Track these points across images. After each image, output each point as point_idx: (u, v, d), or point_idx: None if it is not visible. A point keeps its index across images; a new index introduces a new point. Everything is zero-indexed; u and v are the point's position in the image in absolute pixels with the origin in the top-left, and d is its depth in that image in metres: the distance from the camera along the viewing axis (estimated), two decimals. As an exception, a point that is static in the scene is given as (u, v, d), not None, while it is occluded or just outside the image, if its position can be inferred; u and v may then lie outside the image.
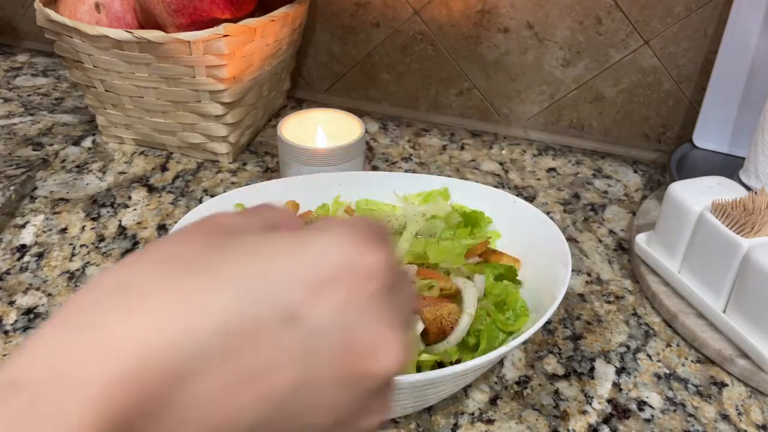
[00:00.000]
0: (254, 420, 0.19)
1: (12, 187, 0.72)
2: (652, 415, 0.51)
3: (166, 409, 0.18)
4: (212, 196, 0.74)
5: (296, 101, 0.96)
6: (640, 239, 0.64)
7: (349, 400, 0.21)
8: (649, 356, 0.57)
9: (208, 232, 0.22)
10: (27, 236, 0.68)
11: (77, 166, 0.79)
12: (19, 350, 0.18)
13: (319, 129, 0.73)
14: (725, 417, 0.51)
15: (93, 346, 0.17)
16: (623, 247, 0.70)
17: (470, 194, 0.62)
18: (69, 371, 0.17)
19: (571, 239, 0.70)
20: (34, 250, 0.66)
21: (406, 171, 0.81)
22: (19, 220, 0.70)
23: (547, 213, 0.72)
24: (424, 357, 0.48)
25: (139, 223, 0.70)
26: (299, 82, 0.97)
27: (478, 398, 0.52)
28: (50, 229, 0.69)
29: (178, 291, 0.18)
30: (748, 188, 0.64)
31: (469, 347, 0.49)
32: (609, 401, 0.52)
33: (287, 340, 0.20)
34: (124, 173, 0.79)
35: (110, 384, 0.17)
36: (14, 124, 0.88)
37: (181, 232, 0.21)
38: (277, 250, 0.21)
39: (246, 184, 0.74)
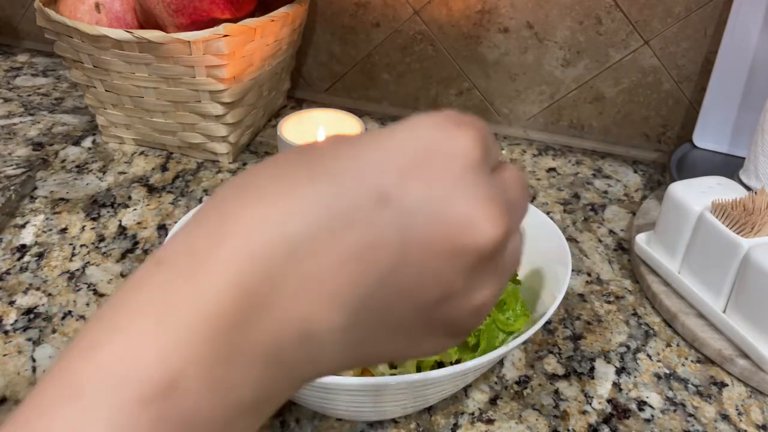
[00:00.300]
0: (364, 293, 0.21)
1: (12, 187, 0.72)
2: (652, 415, 0.51)
3: (284, 284, 0.20)
4: (212, 196, 0.74)
5: (296, 101, 0.96)
6: (640, 239, 0.64)
7: (451, 274, 0.22)
8: (649, 356, 0.57)
9: (301, 149, 0.24)
10: (27, 236, 0.68)
11: (77, 166, 0.79)
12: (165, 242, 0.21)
13: (319, 129, 0.73)
14: (725, 417, 0.51)
15: (223, 230, 0.20)
16: (623, 247, 0.70)
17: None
18: (203, 250, 0.20)
19: (571, 239, 0.70)
20: (34, 250, 0.66)
21: (406, 171, 0.81)
22: (19, 220, 0.70)
23: (547, 213, 0.72)
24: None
25: (139, 223, 0.70)
26: (299, 82, 0.97)
27: (478, 398, 0.52)
28: (50, 229, 0.69)
29: (285, 187, 0.21)
30: (748, 188, 0.64)
31: (469, 347, 0.49)
32: (609, 401, 0.52)
33: (383, 219, 0.21)
34: (124, 173, 0.79)
35: (239, 259, 0.20)
36: (14, 124, 0.88)
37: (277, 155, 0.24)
38: (367, 142, 0.23)
39: (246, 184, 0.74)
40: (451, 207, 0.22)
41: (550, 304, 0.48)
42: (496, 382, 0.54)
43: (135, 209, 0.72)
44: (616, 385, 0.54)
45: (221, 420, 0.20)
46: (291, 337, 0.21)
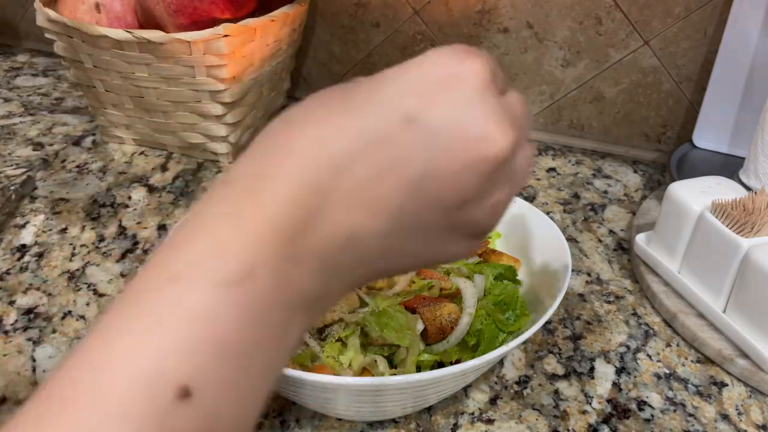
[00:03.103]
0: (399, 201, 0.25)
1: (12, 187, 0.72)
2: (652, 415, 0.51)
3: (332, 196, 0.24)
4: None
5: (296, 101, 0.96)
6: (640, 239, 0.64)
7: (472, 180, 0.26)
8: (649, 356, 0.57)
9: (335, 89, 0.27)
10: (27, 236, 0.68)
11: (77, 166, 0.79)
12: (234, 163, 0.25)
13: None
14: (725, 417, 0.51)
15: (277, 154, 0.24)
16: (623, 247, 0.70)
17: (470, 194, 0.62)
18: (262, 173, 0.24)
19: (571, 239, 0.70)
20: (34, 250, 0.66)
21: (406, 171, 0.81)
22: (19, 220, 0.70)
23: (547, 213, 0.72)
24: (424, 357, 0.48)
25: (139, 223, 0.70)
26: (299, 82, 0.97)
27: (478, 398, 0.52)
28: (50, 229, 0.69)
29: (323, 117, 0.25)
30: (748, 188, 0.64)
31: (469, 347, 0.49)
32: (609, 401, 0.52)
33: (411, 136, 0.25)
34: (124, 173, 0.79)
35: (292, 178, 0.24)
36: (14, 124, 0.88)
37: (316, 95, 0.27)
38: (390, 75, 0.26)
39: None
40: (468, 123, 0.25)
41: (550, 304, 0.48)
42: (496, 382, 0.54)
43: (135, 209, 0.72)
44: (616, 385, 0.54)
45: (285, 310, 0.24)
46: (340, 241, 0.24)
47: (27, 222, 0.70)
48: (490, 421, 0.50)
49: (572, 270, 0.62)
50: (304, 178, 0.24)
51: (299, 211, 0.23)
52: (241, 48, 0.72)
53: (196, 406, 0.21)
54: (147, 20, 0.76)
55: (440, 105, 0.25)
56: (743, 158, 0.69)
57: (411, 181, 0.25)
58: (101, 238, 0.68)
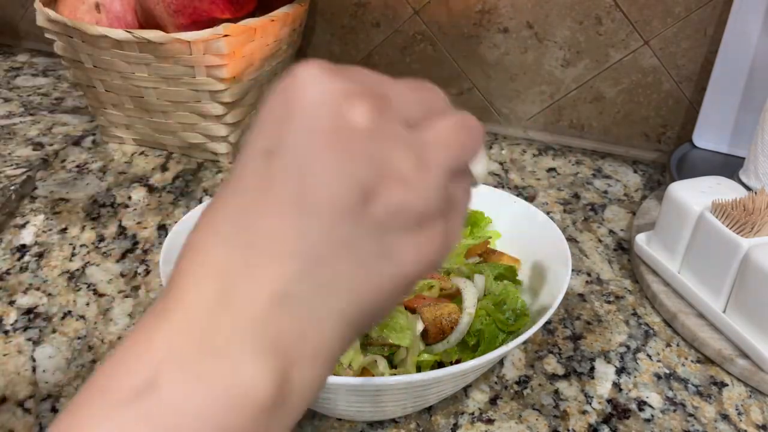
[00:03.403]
0: (296, 231, 0.22)
1: (12, 187, 0.72)
2: (652, 415, 0.51)
3: (236, 260, 0.22)
4: (212, 196, 0.74)
5: (296, 101, 0.96)
6: (640, 239, 0.64)
7: (350, 165, 0.23)
8: (649, 356, 0.57)
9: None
10: (27, 236, 0.68)
11: (77, 166, 0.79)
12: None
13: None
14: (725, 417, 0.51)
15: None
16: (623, 247, 0.70)
17: (470, 194, 0.62)
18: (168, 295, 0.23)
19: (571, 239, 0.70)
20: (34, 250, 0.66)
21: (406, 171, 0.81)
22: (19, 220, 0.70)
23: (547, 213, 0.72)
24: (424, 357, 0.48)
25: (139, 223, 0.70)
26: (299, 82, 0.97)
27: (478, 398, 0.52)
28: (50, 229, 0.69)
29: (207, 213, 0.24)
30: (748, 188, 0.64)
31: (469, 347, 0.49)
32: (609, 401, 0.52)
33: (276, 168, 0.23)
34: (124, 173, 0.79)
35: (193, 292, 0.22)
36: (14, 124, 0.88)
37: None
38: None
39: (246, 184, 0.74)
40: (319, 109, 0.23)
41: (550, 304, 0.48)
42: (496, 382, 0.54)
43: (135, 209, 0.72)
44: (616, 385, 0.54)
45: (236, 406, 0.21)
46: (267, 307, 0.22)
47: (27, 222, 0.70)
48: (490, 421, 0.50)
49: (572, 270, 0.62)
50: (205, 254, 0.23)
51: (211, 302, 0.22)
52: (241, 48, 0.72)
53: None
54: (147, 20, 0.76)
55: (289, 126, 0.23)
56: (743, 158, 0.69)
57: (292, 203, 0.22)
58: (101, 238, 0.68)
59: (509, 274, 0.55)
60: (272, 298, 0.22)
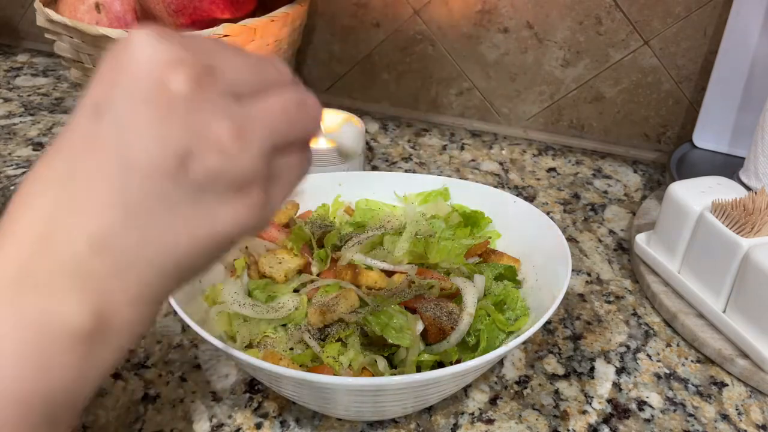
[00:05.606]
0: (112, 187, 0.24)
1: (12, 187, 0.72)
2: (652, 415, 0.51)
3: (60, 207, 0.24)
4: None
5: (296, 101, 0.96)
6: (640, 239, 0.64)
7: (166, 128, 0.24)
8: (649, 356, 0.57)
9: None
10: (27, 236, 0.68)
11: (77, 166, 0.79)
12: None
13: (319, 129, 0.72)
14: (725, 417, 0.51)
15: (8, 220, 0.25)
16: (623, 247, 0.70)
17: (470, 194, 0.62)
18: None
19: (571, 239, 0.70)
20: (34, 250, 0.66)
21: (406, 171, 0.81)
22: (19, 220, 0.70)
23: (547, 213, 0.72)
24: (424, 357, 0.48)
25: (139, 223, 0.70)
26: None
27: (478, 398, 0.52)
28: (50, 229, 0.69)
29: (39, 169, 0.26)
30: (748, 188, 0.64)
31: (469, 347, 0.49)
32: (609, 401, 0.52)
33: (104, 123, 0.25)
34: (124, 173, 0.79)
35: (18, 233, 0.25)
36: (14, 124, 0.88)
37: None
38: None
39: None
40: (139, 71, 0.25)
41: (550, 304, 0.47)
42: (496, 382, 0.54)
43: (135, 209, 0.72)
44: (616, 385, 0.54)
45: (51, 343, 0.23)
46: (84, 250, 0.24)
47: (27, 222, 0.70)
48: (490, 421, 0.50)
49: (572, 270, 0.62)
50: (27, 232, 0.24)
51: (33, 243, 0.24)
52: (241, 48, 0.72)
53: None
54: (147, 20, 0.76)
55: (116, 87, 0.25)
56: (743, 158, 0.69)
57: (114, 159, 0.24)
58: (101, 238, 0.68)
59: (509, 274, 0.55)
60: (90, 242, 0.24)
